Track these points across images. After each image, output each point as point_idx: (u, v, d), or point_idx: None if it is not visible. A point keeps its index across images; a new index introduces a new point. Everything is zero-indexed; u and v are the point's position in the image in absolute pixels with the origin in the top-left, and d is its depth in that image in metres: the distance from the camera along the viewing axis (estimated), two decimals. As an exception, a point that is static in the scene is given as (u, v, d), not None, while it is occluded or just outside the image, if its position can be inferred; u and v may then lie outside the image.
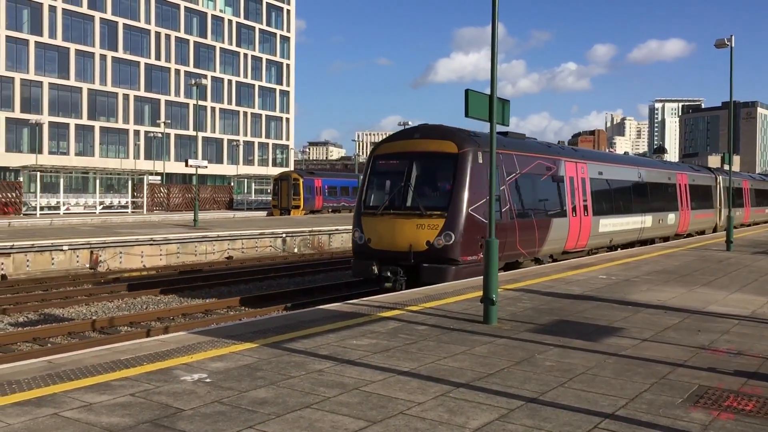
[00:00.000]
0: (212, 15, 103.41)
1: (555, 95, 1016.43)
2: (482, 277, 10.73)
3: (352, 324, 10.18)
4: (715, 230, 37.03)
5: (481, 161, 16.57)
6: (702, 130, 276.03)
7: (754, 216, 45.82)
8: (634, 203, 25.93)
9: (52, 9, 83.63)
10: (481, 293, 10.72)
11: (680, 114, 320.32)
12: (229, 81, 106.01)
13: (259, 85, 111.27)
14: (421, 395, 6.70)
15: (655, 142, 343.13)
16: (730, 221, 25.42)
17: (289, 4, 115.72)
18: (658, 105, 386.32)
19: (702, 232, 35.47)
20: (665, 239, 29.93)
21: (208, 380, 7.08)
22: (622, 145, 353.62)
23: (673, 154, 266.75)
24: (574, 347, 8.85)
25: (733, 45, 24.46)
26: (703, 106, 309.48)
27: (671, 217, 29.82)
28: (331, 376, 7.31)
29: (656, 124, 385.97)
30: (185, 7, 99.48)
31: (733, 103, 27.17)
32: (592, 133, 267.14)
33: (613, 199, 24.46)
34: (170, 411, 6.09)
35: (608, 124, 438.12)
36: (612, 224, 23.71)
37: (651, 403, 6.57)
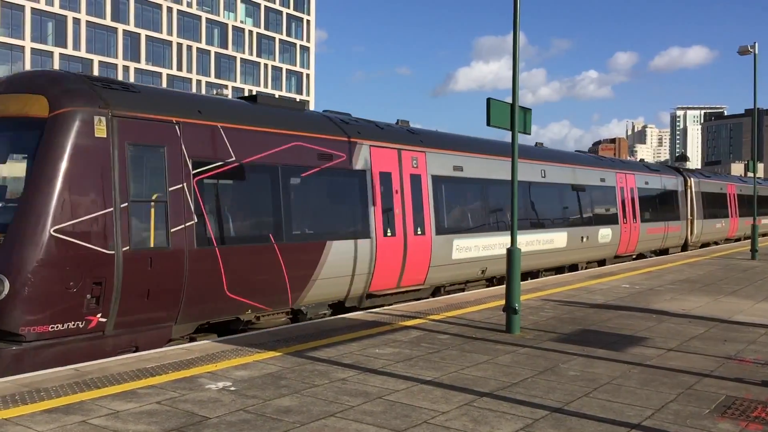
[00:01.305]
0: (233, 26, 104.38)
1: (575, 103, 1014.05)
2: (504, 286, 10.69)
3: (374, 333, 10.19)
4: (685, 248, 29.51)
5: (103, 134, 9.20)
6: (725, 138, 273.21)
7: (744, 227, 36.38)
8: (537, 213, 18.80)
9: (76, 21, 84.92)
10: (503, 302, 10.69)
11: (702, 121, 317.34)
12: (250, 91, 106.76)
13: (279, 95, 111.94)
14: (445, 404, 6.69)
15: (677, 150, 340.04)
16: (754, 230, 25.10)
17: (309, 14, 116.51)
18: (679, 112, 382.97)
19: (664, 251, 27.68)
20: (601, 263, 22.49)
21: (232, 388, 7.13)
22: (643, 154, 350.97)
23: (695, 161, 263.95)
24: (598, 357, 8.79)
25: (756, 52, 24.23)
26: (726, 113, 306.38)
27: (605, 233, 21.89)
28: (355, 385, 7.32)
29: (678, 132, 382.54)
30: (206, 18, 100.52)
31: (757, 110, 26.89)
32: (612, 141, 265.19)
33: (487, 208, 16.80)
34: (196, 419, 6.13)
35: (629, 132, 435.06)
36: (481, 246, 16.12)
37: (677, 413, 6.50)
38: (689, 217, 29.44)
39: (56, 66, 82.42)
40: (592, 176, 22.09)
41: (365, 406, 6.59)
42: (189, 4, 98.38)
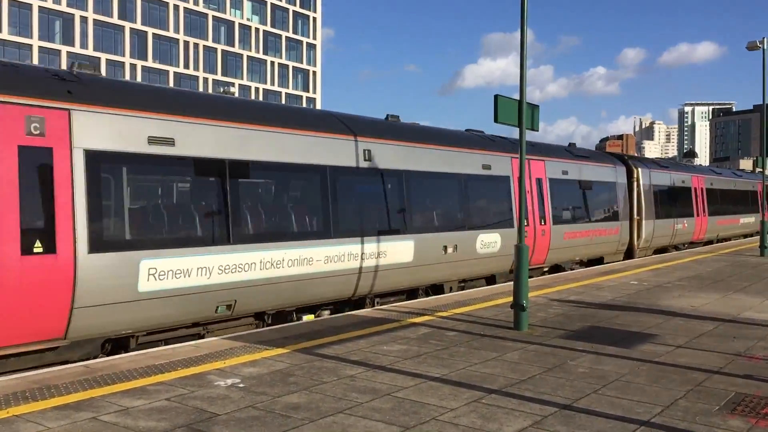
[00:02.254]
0: (239, 24, 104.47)
1: (583, 100, 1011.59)
2: (512, 282, 10.68)
3: (382, 330, 10.20)
4: (630, 254, 23.61)
5: None
6: (733, 134, 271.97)
7: (715, 228, 31.09)
8: (344, 214, 12.48)
9: (83, 20, 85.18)
10: (510, 299, 10.68)
11: (711, 117, 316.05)
12: (256, 89, 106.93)
13: (285, 93, 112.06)
14: (454, 401, 6.69)
15: (686, 146, 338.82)
16: (764, 226, 24.96)
17: (315, 11, 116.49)
18: (687, 109, 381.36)
19: (596, 260, 21.58)
20: (490, 281, 16.83)
21: (241, 385, 7.15)
22: (651, 150, 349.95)
23: (703, 158, 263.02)
24: (607, 354, 8.78)
25: (765, 47, 24.09)
26: (734, 109, 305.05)
27: (489, 239, 16.07)
28: (363, 382, 7.33)
29: (686, 128, 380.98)
30: (213, 16, 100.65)
31: (766, 105, 26.73)
32: (620, 137, 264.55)
33: (245, 210, 10.86)
34: (205, 415, 6.16)
35: (637, 128, 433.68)
36: (227, 265, 10.35)
37: (687, 410, 6.48)
38: (636, 216, 23.61)
39: (63, 65, 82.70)
40: (466, 162, 15.81)
41: (374, 403, 6.59)
42: (195, 2, 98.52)
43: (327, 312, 12.61)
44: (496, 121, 10.52)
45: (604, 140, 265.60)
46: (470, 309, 12.12)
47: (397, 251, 13.44)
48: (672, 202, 26.56)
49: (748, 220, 36.60)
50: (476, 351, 8.89)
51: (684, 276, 17.46)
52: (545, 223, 18.37)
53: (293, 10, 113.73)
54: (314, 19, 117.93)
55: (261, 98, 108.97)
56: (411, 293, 14.53)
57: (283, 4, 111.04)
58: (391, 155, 13.72)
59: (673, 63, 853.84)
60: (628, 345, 9.29)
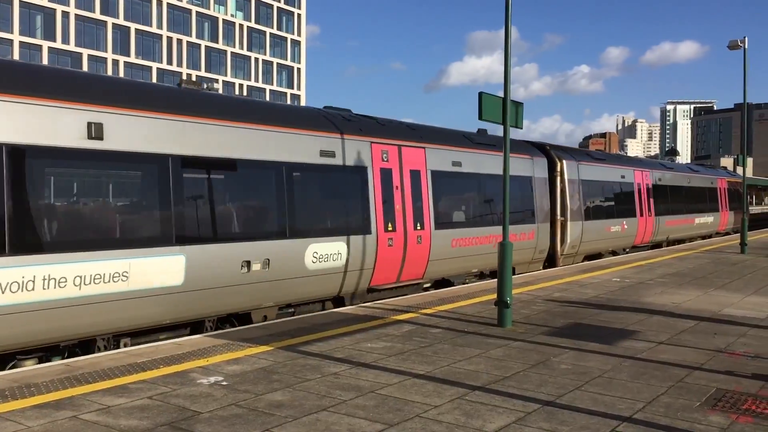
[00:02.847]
0: (223, 20, 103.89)
1: (567, 98, 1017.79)
2: (496, 279, 10.71)
3: (366, 327, 10.19)
4: (552, 262, 20.25)
5: None
6: (714, 133, 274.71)
7: (664, 230, 27.71)
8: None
9: (65, 15, 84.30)
10: (494, 296, 10.70)
11: (692, 116, 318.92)
12: (240, 85, 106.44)
13: (270, 89, 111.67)
14: (437, 398, 6.69)
15: (667, 145, 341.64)
16: (743, 224, 25.23)
17: (300, 8, 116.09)
18: (669, 107, 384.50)
19: (484, 274, 17.06)
20: (291, 310, 12.27)
21: (224, 383, 7.11)
22: (634, 148, 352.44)
23: (685, 156, 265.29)
24: (590, 350, 8.82)
25: (746, 46, 24.33)
26: (715, 108, 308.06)
27: (327, 251, 12.28)
28: (347, 379, 7.32)
29: (668, 127, 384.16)
30: (197, 12, 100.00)
31: (746, 104, 27.01)
32: (603, 135, 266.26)
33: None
34: (187, 414, 6.11)
35: (619, 127, 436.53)
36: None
37: (668, 406, 6.53)
38: (559, 217, 20.12)
39: (45, 60, 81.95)
40: (293, 146, 11.88)
41: (358, 400, 6.58)
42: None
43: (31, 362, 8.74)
44: (480, 118, 10.55)
45: (587, 138, 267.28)
46: (454, 306, 12.14)
47: (152, 271, 9.42)
48: (608, 200, 23.20)
49: (706, 220, 32.74)
50: (460, 348, 8.90)
51: (666, 273, 17.60)
52: (423, 228, 14.36)
53: (277, 7, 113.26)
54: (299, 15, 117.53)
55: (245, 94, 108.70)
56: (195, 327, 10.54)
57: (268, 0, 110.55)
58: (145, 132, 9.61)
59: (656, 62, 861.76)
60: (610, 342, 9.35)
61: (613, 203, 23.49)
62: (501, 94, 10.87)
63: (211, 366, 7.80)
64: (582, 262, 21.32)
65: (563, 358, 8.41)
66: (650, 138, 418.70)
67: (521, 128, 11.69)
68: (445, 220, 15.27)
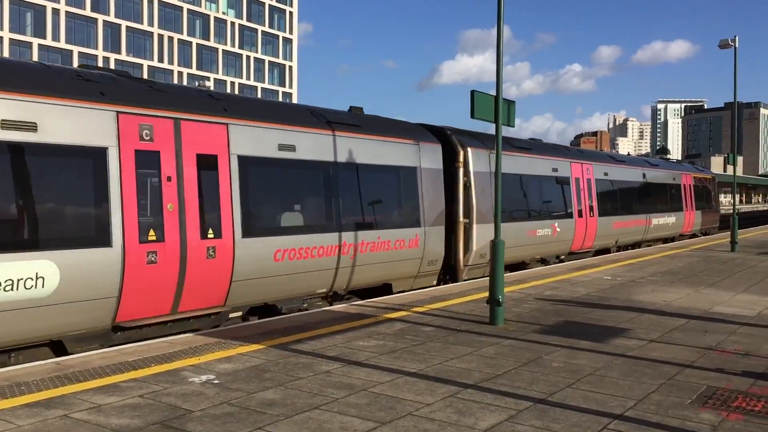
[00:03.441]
0: (215, 17, 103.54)
1: (559, 96, 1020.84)
2: (488, 278, 10.72)
3: (358, 325, 10.19)
4: (453, 276, 16.37)
5: None
6: (704, 131, 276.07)
7: (610, 233, 23.69)
8: None
9: (56, 12, 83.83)
10: (486, 294, 10.72)
11: (683, 115, 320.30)
12: (232, 83, 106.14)
13: (261, 87, 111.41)
14: (430, 396, 6.69)
15: (658, 143, 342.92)
16: (734, 222, 25.34)
17: (291, 6, 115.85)
18: (660, 106, 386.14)
19: (380, 289, 14.21)
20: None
21: (216, 381, 7.09)
22: (625, 147, 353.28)
23: (676, 155, 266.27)
24: (581, 348, 8.84)
25: (737, 45, 24.44)
26: (705, 106, 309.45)
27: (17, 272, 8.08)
28: (339, 378, 7.31)
29: (659, 125, 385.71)
30: (188, 9, 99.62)
31: (737, 103, 27.14)
32: (594, 134, 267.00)
33: None
34: (179, 412, 6.09)
35: (611, 125, 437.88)
36: None
37: (659, 404, 6.56)
38: (461, 219, 16.02)
39: (35, 57, 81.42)
40: None
41: (350, 399, 6.58)
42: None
43: None
44: (472, 116, 10.54)
45: (578, 137, 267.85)
46: (446, 304, 12.15)
47: None
48: (533, 197, 19.36)
49: (666, 221, 28.85)
50: (452, 346, 8.91)
51: (657, 271, 17.67)
52: (219, 236, 10.43)
53: (269, 5, 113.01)
54: (290, 13, 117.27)
55: (236, 92, 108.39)
56: None
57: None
58: None
59: (648, 61, 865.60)
60: (602, 339, 9.38)
61: (540, 201, 19.68)
62: (493, 92, 10.88)
63: (202, 364, 7.77)
64: (510, 273, 17.03)
65: (555, 356, 8.43)
66: (641, 137, 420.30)
67: (513, 126, 11.69)
68: (264, 225, 11.36)
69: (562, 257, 21.12)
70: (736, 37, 24.43)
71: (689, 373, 7.67)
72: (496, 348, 8.83)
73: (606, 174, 23.93)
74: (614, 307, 12.09)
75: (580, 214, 21.51)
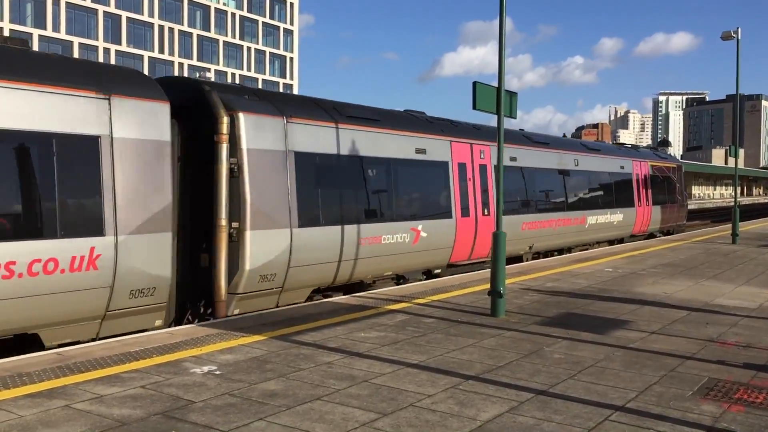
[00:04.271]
0: (216, 8, 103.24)
1: (561, 89, 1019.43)
2: (490, 269, 10.71)
3: (359, 317, 10.19)
4: (214, 311, 10.69)
5: None
6: (706, 123, 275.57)
7: (522, 236, 18.40)
8: None
9: (56, 2, 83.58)
10: (487, 286, 10.72)
11: (684, 107, 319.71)
12: (233, 74, 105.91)
13: (262, 79, 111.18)
14: (431, 387, 6.70)
15: (659, 136, 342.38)
16: (735, 214, 25.32)
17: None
18: (662, 98, 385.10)
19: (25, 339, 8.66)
20: None
21: (217, 372, 7.10)
22: (626, 139, 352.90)
23: (677, 147, 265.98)
24: (582, 340, 8.85)
25: (739, 37, 24.35)
26: (707, 99, 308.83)
27: None
28: (341, 369, 7.32)
29: (660, 118, 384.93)
30: (189, 0, 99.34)
31: (739, 95, 27.07)
32: (595, 126, 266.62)
33: None
34: (181, 403, 6.10)
35: (612, 117, 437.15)
36: None
37: (661, 395, 6.56)
38: (224, 222, 10.76)
39: (36, 48, 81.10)
40: None
41: (351, 390, 6.58)
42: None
43: None
44: (474, 107, 10.52)
45: (580, 129, 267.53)
46: (447, 296, 12.15)
47: None
48: (378, 190, 14.01)
49: (609, 220, 23.49)
50: (453, 337, 8.91)
51: (658, 263, 17.67)
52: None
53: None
54: (291, 4, 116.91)
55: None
56: None
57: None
58: None
59: (649, 53, 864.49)
60: (603, 331, 9.38)
61: (392, 196, 14.32)
62: (495, 84, 10.84)
63: (204, 355, 7.78)
64: (310, 298, 12.36)
65: (556, 347, 8.44)
66: (642, 129, 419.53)
67: (515, 118, 11.67)
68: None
69: (438, 271, 15.80)
70: (739, 29, 24.34)
71: (690, 365, 7.68)
72: (497, 339, 8.83)
73: (514, 159, 18.41)
74: (615, 299, 12.09)
75: (465, 213, 16.17)
